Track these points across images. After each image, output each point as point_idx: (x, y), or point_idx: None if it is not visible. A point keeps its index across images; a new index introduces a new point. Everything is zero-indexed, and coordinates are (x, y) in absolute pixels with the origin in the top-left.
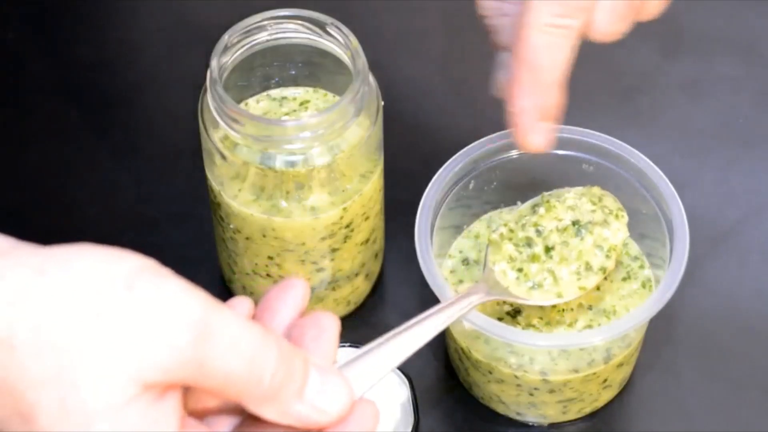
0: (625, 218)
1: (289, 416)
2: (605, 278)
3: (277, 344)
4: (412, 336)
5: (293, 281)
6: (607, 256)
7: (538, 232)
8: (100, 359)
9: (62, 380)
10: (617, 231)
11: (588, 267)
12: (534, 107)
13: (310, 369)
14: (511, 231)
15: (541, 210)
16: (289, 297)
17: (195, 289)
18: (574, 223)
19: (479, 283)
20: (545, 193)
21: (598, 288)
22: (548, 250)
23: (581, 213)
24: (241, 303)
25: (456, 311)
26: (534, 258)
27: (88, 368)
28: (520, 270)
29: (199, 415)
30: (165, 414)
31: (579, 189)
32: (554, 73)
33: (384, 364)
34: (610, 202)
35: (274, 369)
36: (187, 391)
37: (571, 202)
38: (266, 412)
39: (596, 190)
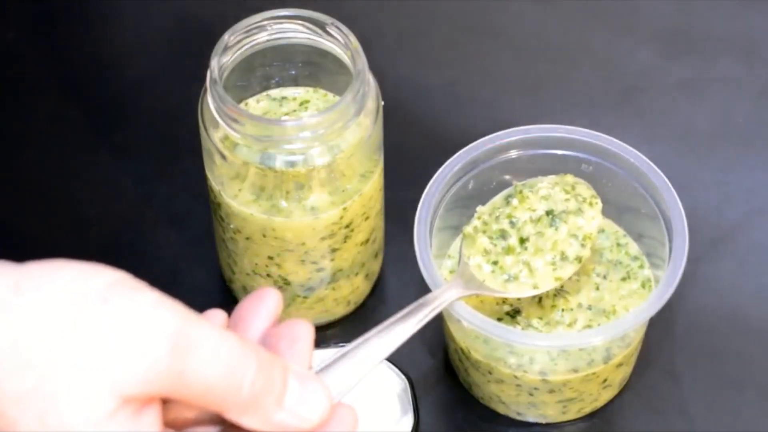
0: (599, 205)
1: (269, 424)
2: (605, 278)
3: (255, 353)
4: (390, 336)
5: (265, 291)
6: (582, 245)
7: (512, 224)
8: (79, 375)
9: (41, 397)
10: (591, 219)
11: (563, 257)
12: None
13: (289, 376)
14: (485, 224)
15: (515, 201)
16: (262, 308)
17: (171, 301)
18: (547, 213)
19: (455, 278)
20: (518, 184)
21: (597, 288)
22: (523, 241)
23: (555, 202)
24: (214, 315)
25: (431, 309)
26: (509, 250)
27: (67, 384)
28: (495, 263)
29: (178, 426)
30: (145, 427)
31: (552, 178)
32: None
33: (363, 366)
34: (584, 189)
35: (254, 378)
36: (165, 402)
37: (545, 192)
38: (246, 421)
39: (569, 178)
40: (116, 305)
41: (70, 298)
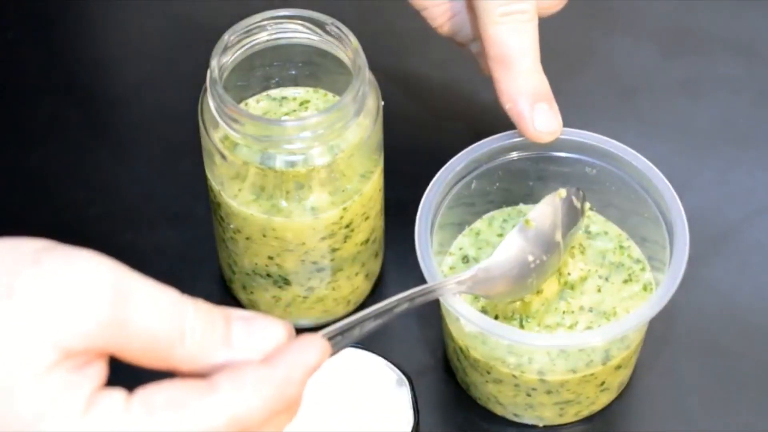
0: (587, 204)
1: (220, 365)
2: (607, 280)
3: (192, 301)
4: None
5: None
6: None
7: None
8: (16, 333)
9: None
10: (581, 223)
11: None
12: (523, 95)
13: (233, 319)
14: None
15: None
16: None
17: (104, 257)
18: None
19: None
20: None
21: (599, 290)
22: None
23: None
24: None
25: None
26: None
27: (4, 344)
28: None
29: None
30: (86, 382)
31: (549, 200)
32: (527, 58)
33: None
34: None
35: (193, 321)
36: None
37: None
38: (197, 368)
39: (562, 192)
40: (50, 264)
41: (1, 265)
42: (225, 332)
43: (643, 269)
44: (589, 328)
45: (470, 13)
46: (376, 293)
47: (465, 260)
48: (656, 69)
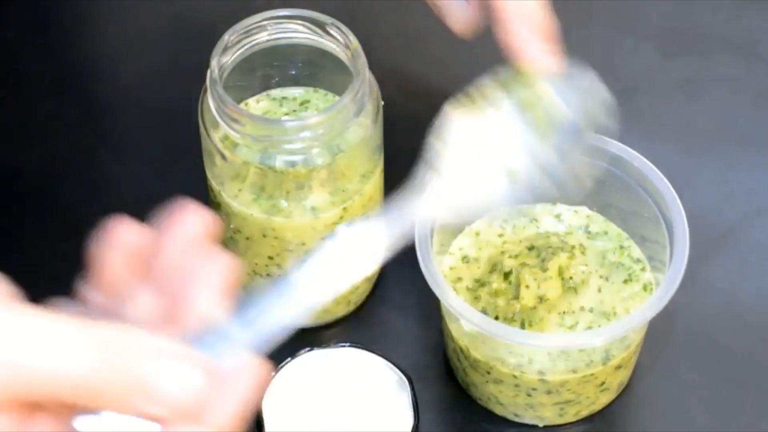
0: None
1: (139, 413)
2: (607, 280)
3: (98, 342)
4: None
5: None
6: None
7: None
8: None
9: None
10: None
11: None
12: (535, 39)
13: (146, 363)
14: None
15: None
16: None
17: None
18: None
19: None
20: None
21: (599, 290)
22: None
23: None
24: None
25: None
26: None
27: None
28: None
29: None
30: None
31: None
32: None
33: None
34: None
35: (99, 369)
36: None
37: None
38: (114, 409)
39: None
40: None
41: None
42: (140, 382)
43: (643, 269)
44: (589, 328)
45: None
46: (376, 293)
47: (465, 260)
48: (656, 69)
